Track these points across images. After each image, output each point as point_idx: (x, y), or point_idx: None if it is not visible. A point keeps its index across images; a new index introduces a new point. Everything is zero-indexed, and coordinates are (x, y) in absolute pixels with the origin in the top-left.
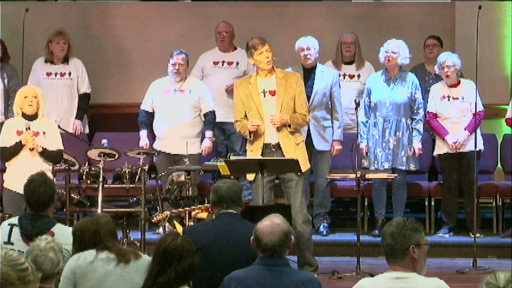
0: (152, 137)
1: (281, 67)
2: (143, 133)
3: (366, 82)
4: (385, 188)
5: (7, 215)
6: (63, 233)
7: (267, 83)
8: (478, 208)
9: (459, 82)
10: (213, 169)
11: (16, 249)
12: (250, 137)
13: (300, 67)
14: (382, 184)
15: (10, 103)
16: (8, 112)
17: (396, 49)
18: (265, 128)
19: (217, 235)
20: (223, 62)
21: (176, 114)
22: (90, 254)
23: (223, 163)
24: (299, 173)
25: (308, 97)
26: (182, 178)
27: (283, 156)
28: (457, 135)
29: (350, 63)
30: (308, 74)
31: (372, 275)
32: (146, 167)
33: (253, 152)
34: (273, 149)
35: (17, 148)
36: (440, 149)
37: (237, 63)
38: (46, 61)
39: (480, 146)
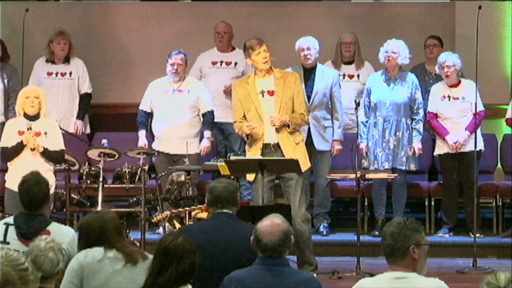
0: (151, 137)
1: (281, 67)
2: (142, 133)
3: (365, 82)
4: (385, 188)
5: (7, 215)
6: (58, 232)
7: (266, 83)
8: (478, 208)
9: (459, 82)
10: (213, 169)
11: (12, 248)
12: (247, 138)
13: (300, 67)
14: (382, 184)
15: (10, 103)
16: (8, 112)
17: (396, 49)
18: (264, 128)
19: (211, 235)
20: (221, 62)
21: (175, 114)
22: (98, 252)
23: (223, 163)
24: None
25: (309, 97)
26: (182, 178)
27: (283, 156)
28: (458, 135)
29: (350, 63)
30: (308, 74)
31: (372, 275)
32: (146, 167)
33: (253, 153)
34: (273, 149)
35: (18, 148)
36: (441, 149)
37: (236, 63)
38: (47, 61)
39: (481, 146)
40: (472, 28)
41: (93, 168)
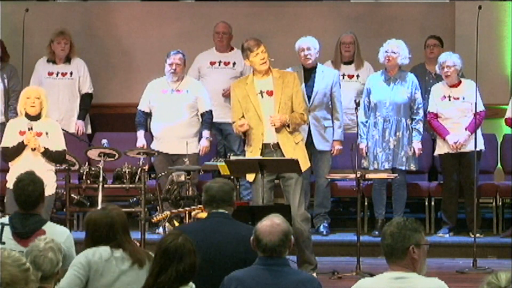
0: (151, 137)
1: (281, 67)
2: (140, 133)
3: (365, 82)
4: (385, 188)
5: (7, 215)
6: (53, 232)
7: (264, 84)
8: (478, 208)
9: (459, 82)
10: (213, 169)
11: (7, 248)
12: (243, 137)
13: (300, 67)
14: (381, 184)
15: (11, 103)
16: (8, 112)
17: (396, 49)
18: (264, 128)
19: (205, 234)
20: (220, 62)
21: (174, 114)
22: (105, 251)
23: (223, 163)
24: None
25: (309, 97)
26: (182, 178)
27: (283, 155)
28: (458, 135)
29: (349, 63)
30: (309, 74)
31: (372, 275)
32: (146, 167)
33: (253, 153)
34: (273, 149)
35: (19, 148)
36: (441, 149)
37: (234, 64)
38: (48, 60)
39: (481, 146)
40: (472, 28)
41: (93, 168)
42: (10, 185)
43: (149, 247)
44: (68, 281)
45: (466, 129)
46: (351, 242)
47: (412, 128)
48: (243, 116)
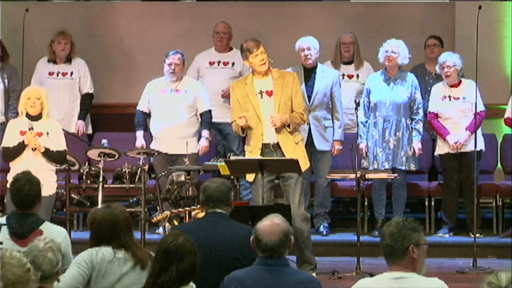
0: (150, 137)
1: (280, 68)
2: (139, 133)
3: (365, 82)
4: (385, 188)
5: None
6: (51, 232)
7: (264, 84)
8: (478, 208)
9: (460, 82)
10: (213, 169)
11: (4, 248)
12: (242, 133)
13: (300, 67)
14: (381, 184)
15: (11, 103)
16: (8, 112)
17: (397, 49)
18: (263, 128)
19: (201, 234)
20: (219, 62)
21: (173, 114)
22: (107, 252)
23: (223, 163)
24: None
25: (309, 97)
26: (182, 178)
27: (283, 155)
28: (458, 135)
29: (349, 63)
30: (309, 74)
31: (372, 275)
32: (146, 167)
33: (252, 153)
34: (273, 149)
35: (20, 148)
36: (441, 149)
37: (233, 64)
38: (49, 60)
39: (481, 146)
40: (472, 28)
41: (93, 168)
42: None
43: (149, 247)
44: (71, 278)
45: (466, 129)
46: (351, 242)
47: (412, 128)
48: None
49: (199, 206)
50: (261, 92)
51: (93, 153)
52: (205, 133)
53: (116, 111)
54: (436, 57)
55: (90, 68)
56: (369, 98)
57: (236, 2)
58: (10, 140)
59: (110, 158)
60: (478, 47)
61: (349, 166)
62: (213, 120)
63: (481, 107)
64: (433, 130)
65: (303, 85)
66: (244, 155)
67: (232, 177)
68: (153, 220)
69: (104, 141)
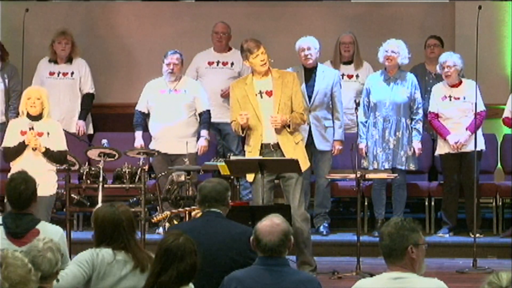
0: (150, 137)
1: (280, 67)
2: (138, 134)
3: (364, 82)
4: (385, 188)
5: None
6: (47, 231)
7: (264, 84)
8: (478, 208)
9: (460, 82)
10: (213, 169)
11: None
12: (243, 133)
13: (301, 67)
14: (381, 184)
15: (11, 103)
16: (8, 112)
17: (397, 49)
18: (263, 128)
19: (197, 234)
20: (218, 62)
21: (172, 114)
22: (108, 254)
23: (223, 163)
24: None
25: (309, 97)
26: (182, 178)
27: (283, 155)
28: (459, 135)
29: (349, 63)
30: (309, 74)
31: (372, 275)
32: (146, 167)
33: (252, 153)
34: (273, 149)
35: (20, 148)
36: (442, 149)
37: (232, 64)
38: (50, 60)
39: (482, 146)
40: (472, 28)
41: (93, 168)
42: None
43: (149, 247)
44: (73, 276)
45: (466, 129)
46: (351, 242)
47: (411, 128)
48: None
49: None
50: (260, 92)
51: (93, 153)
52: (204, 133)
53: (116, 111)
54: (436, 57)
55: (90, 68)
56: (368, 98)
57: (235, 2)
58: (11, 140)
59: (110, 158)
60: (478, 47)
61: (349, 166)
62: (212, 120)
63: (481, 107)
64: (433, 130)
65: (304, 85)
66: (243, 155)
67: (232, 177)
68: (153, 220)
69: (104, 141)
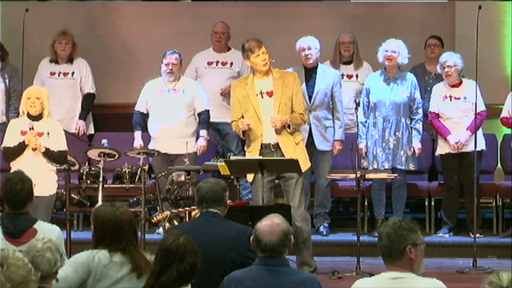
0: (149, 137)
1: (280, 67)
2: (137, 134)
3: (364, 82)
4: (385, 188)
5: None
6: (44, 231)
7: (264, 84)
8: (478, 208)
9: (461, 82)
10: (213, 169)
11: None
12: (243, 136)
13: (301, 67)
14: (381, 184)
15: (11, 103)
16: (9, 112)
17: (396, 49)
18: (263, 128)
19: (194, 234)
20: (217, 62)
21: (171, 114)
22: (104, 256)
23: (223, 163)
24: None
25: (310, 97)
26: (182, 178)
27: (283, 156)
28: (459, 135)
29: (348, 63)
30: (309, 74)
31: (372, 275)
32: (146, 167)
33: (252, 153)
34: (273, 149)
35: (20, 148)
36: (442, 149)
37: (231, 64)
38: (51, 61)
39: (482, 146)
40: (472, 28)
41: (93, 168)
42: None
43: (149, 247)
44: (69, 277)
45: (467, 129)
46: (351, 242)
47: (411, 128)
48: (242, 117)
49: None
50: (261, 93)
51: (93, 153)
52: (203, 133)
53: (116, 111)
54: (436, 57)
55: (91, 68)
56: (368, 98)
57: (235, 2)
58: (11, 140)
59: (110, 158)
60: (478, 47)
61: (349, 166)
62: (212, 120)
63: (481, 107)
64: (433, 130)
65: (304, 85)
66: (243, 155)
67: (232, 177)
68: (153, 220)
69: (104, 141)
